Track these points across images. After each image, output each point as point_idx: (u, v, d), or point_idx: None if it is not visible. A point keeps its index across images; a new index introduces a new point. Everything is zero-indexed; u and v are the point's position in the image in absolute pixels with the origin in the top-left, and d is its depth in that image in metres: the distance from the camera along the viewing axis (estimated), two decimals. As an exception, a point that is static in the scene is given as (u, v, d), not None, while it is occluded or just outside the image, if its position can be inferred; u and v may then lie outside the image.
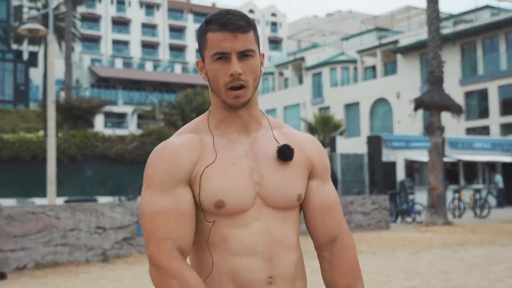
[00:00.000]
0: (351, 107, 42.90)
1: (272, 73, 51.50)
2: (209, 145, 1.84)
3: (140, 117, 59.15)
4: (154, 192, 1.79)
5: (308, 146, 1.97)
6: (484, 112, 35.76)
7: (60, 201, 16.20)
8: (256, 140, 1.89)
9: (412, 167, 27.43)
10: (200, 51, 1.88)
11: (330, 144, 28.14)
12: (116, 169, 25.16)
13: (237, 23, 1.78)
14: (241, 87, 1.79)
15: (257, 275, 1.80)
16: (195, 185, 1.80)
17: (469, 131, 35.39)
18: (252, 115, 1.89)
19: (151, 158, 1.85)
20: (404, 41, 40.67)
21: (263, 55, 1.89)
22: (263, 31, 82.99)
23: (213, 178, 1.79)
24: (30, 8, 50.29)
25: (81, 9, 60.51)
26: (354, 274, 1.97)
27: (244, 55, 1.78)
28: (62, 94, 40.60)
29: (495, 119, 34.94)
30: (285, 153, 1.86)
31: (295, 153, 1.89)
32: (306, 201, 1.96)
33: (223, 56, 1.78)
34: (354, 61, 44.87)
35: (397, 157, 26.15)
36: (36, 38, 43.16)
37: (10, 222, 10.28)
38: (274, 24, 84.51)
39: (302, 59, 48.09)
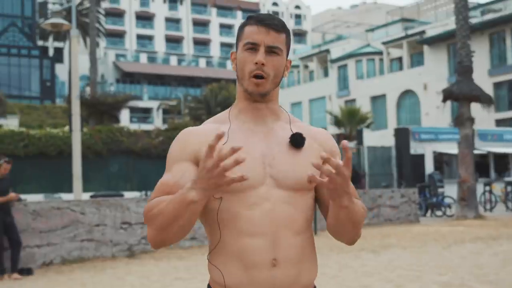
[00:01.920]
0: (378, 100, 42.45)
1: (297, 66, 51.16)
2: (224, 130, 1.90)
3: (165, 112, 59.28)
4: (166, 171, 2.01)
5: (320, 136, 2.10)
6: (514, 103, 35.10)
7: (86, 196, 16.18)
8: (272, 130, 2.03)
9: (441, 159, 26.98)
10: (236, 43, 2.07)
11: (357, 137, 27.80)
12: (142, 164, 25.11)
13: (272, 21, 1.99)
14: (261, 77, 1.96)
15: (262, 257, 1.89)
16: None
17: (499, 122, 34.74)
18: (270, 108, 2.05)
19: (172, 143, 2.06)
20: (431, 31, 40.06)
21: (290, 61, 2.09)
22: (287, 24, 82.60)
23: None
24: (54, 4, 50.64)
25: (105, 5, 60.61)
26: (361, 219, 1.99)
27: (271, 50, 1.97)
28: (88, 90, 40.78)
29: (525, 110, 34.29)
30: (297, 140, 1.99)
31: (308, 141, 2.02)
32: (321, 186, 1.90)
33: (253, 47, 1.97)
34: (380, 53, 44.38)
35: (426, 150, 25.73)
36: (60, 34, 43.34)
37: (36, 218, 10.22)
38: (298, 16, 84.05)
39: (327, 51, 47.70)
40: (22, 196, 14.78)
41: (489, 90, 32.91)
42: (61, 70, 60.03)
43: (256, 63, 1.95)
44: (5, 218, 9.63)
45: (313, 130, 2.12)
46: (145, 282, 8.67)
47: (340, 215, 1.91)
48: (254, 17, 2.01)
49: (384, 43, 43.59)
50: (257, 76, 1.96)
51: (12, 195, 9.76)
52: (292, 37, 75.27)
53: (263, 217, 1.91)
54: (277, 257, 1.91)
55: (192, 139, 1.99)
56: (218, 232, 1.94)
